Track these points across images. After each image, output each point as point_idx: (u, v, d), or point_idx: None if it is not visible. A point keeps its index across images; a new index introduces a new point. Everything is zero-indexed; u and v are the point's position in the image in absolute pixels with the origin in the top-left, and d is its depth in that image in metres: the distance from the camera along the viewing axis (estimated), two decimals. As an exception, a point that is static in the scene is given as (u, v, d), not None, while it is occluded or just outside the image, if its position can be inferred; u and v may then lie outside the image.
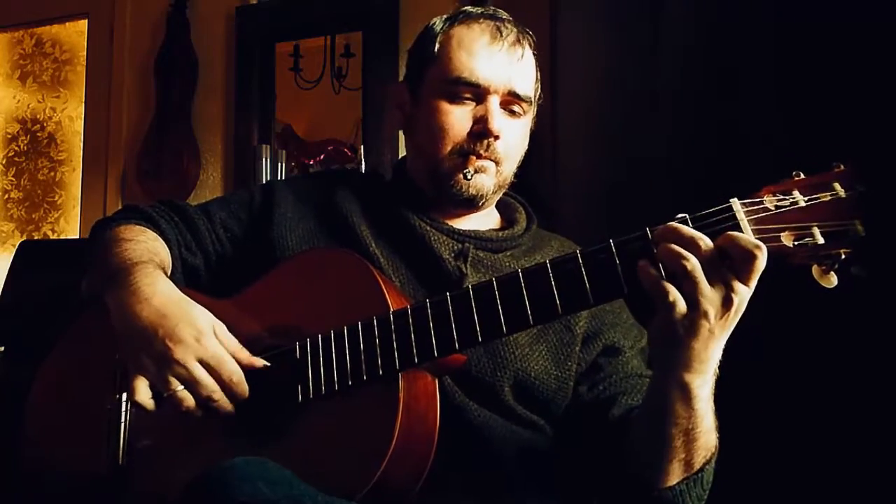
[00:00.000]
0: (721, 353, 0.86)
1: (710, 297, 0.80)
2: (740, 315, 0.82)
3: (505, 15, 1.18)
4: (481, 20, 1.16)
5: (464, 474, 1.02)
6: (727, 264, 0.80)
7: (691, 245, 0.80)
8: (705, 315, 0.81)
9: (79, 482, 1.07)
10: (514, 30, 1.16)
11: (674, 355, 0.86)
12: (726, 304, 0.80)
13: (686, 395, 0.87)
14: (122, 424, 1.06)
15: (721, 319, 0.81)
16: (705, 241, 0.80)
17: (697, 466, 0.94)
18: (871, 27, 1.13)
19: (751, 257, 0.78)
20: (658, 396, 0.91)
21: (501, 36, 1.14)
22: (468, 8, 1.20)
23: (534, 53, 1.19)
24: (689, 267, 0.80)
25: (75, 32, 3.16)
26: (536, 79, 1.20)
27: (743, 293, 0.80)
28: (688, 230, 0.81)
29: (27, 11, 3.17)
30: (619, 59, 1.73)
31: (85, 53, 3.09)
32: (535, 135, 1.24)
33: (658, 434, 0.92)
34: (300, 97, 2.80)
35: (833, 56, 1.18)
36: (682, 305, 0.81)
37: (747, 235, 0.79)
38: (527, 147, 1.21)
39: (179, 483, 0.84)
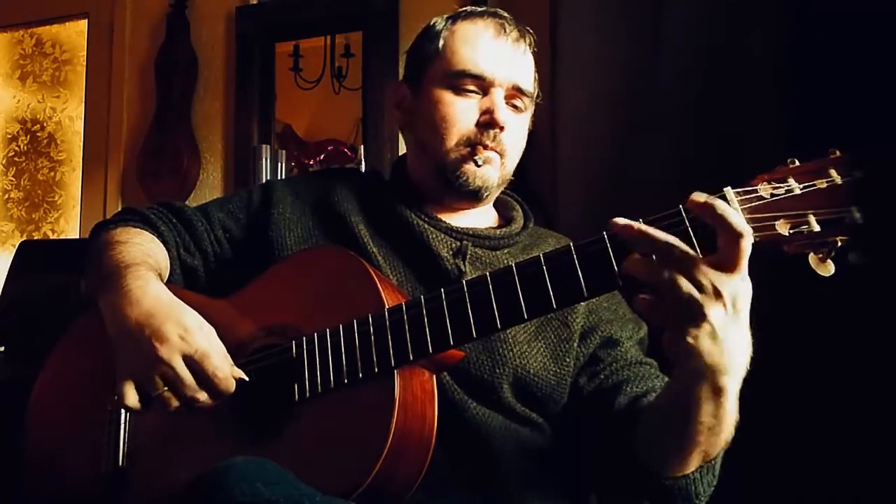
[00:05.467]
0: (748, 344, 0.81)
1: (702, 288, 0.77)
2: (747, 304, 0.78)
3: (506, 14, 1.21)
4: (485, 17, 1.19)
5: (463, 472, 1.02)
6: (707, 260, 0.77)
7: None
8: (703, 308, 0.77)
9: (80, 482, 1.08)
10: (517, 28, 1.19)
11: (698, 365, 0.81)
12: (716, 295, 0.77)
13: (718, 395, 0.83)
14: (123, 425, 1.06)
15: (725, 311, 0.77)
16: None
17: (713, 456, 0.92)
18: (872, 20, 1.12)
19: (736, 237, 0.75)
20: (685, 398, 0.86)
21: (505, 32, 1.17)
22: (470, 7, 1.23)
23: (533, 53, 1.21)
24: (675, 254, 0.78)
25: (75, 32, 3.15)
26: (535, 78, 1.22)
27: (731, 284, 0.77)
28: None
29: (27, 11, 3.16)
30: (619, 57, 1.73)
31: (85, 53, 3.07)
32: (533, 133, 1.25)
33: (681, 431, 0.89)
34: (300, 97, 2.79)
35: (834, 50, 1.18)
36: (684, 283, 0.77)
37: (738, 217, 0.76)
38: (524, 146, 1.22)
39: (179, 483, 0.84)
